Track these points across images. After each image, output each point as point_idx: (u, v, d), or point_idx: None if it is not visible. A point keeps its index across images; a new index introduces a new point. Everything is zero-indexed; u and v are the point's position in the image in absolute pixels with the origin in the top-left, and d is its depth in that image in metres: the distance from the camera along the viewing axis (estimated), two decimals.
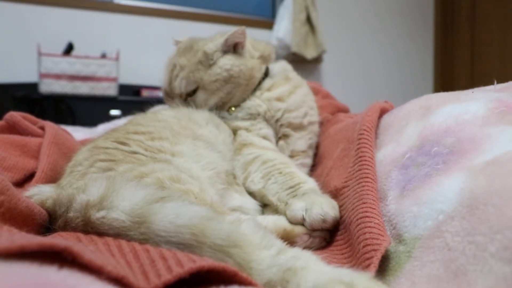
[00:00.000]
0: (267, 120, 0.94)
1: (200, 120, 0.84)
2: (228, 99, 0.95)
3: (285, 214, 0.71)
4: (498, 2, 3.39)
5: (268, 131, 0.93)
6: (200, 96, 0.94)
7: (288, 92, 0.97)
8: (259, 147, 0.88)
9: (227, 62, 0.94)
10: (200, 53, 0.95)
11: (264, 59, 1.01)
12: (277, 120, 0.95)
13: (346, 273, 0.40)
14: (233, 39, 0.95)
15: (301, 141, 0.96)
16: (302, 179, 0.77)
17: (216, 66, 0.93)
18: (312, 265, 0.42)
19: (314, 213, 0.66)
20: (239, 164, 0.85)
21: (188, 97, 0.95)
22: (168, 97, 1.00)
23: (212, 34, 1.02)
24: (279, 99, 0.96)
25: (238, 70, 0.94)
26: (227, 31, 0.97)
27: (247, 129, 0.92)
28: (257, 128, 0.92)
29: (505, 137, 0.52)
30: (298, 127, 0.96)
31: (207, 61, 0.94)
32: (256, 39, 1.06)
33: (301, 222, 0.67)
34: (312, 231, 0.67)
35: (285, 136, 0.96)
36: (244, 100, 0.96)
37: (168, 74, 0.98)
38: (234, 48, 0.96)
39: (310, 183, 0.76)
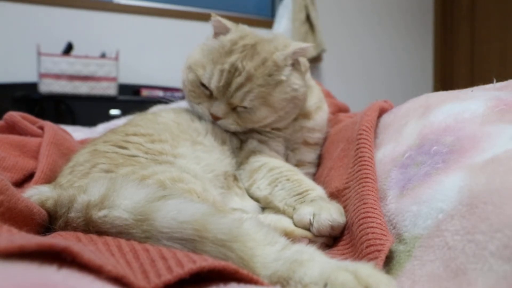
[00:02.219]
0: (285, 140, 0.91)
1: (200, 129, 0.83)
2: (281, 119, 0.86)
3: (292, 218, 0.70)
4: (497, 0, 3.39)
5: (280, 148, 0.91)
6: (261, 112, 0.82)
7: (315, 106, 0.92)
8: (267, 155, 0.86)
9: (296, 82, 0.83)
10: (270, 63, 0.80)
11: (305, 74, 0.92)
12: (293, 139, 0.91)
13: (350, 263, 0.42)
14: (300, 54, 0.84)
15: (311, 153, 0.95)
16: (310, 186, 0.76)
17: (286, 84, 0.82)
18: (317, 257, 0.43)
19: (323, 218, 0.65)
20: (244, 172, 0.84)
21: (239, 108, 0.83)
22: (202, 94, 0.85)
23: (266, 35, 0.88)
24: (306, 115, 0.90)
25: (303, 92, 0.85)
26: (285, 40, 0.86)
27: (260, 140, 0.89)
28: (272, 143, 0.89)
29: (505, 136, 0.52)
30: (313, 144, 0.94)
31: (279, 76, 0.81)
32: None
33: (308, 227, 0.67)
34: (317, 237, 0.66)
35: (294, 149, 0.94)
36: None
37: (223, 74, 0.80)
38: (293, 63, 0.84)
39: (318, 191, 0.75)
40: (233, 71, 0.80)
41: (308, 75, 0.96)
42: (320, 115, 0.93)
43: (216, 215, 0.45)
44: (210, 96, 0.85)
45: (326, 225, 0.64)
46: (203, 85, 0.84)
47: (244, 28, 0.89)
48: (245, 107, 0.82)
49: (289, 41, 0.86)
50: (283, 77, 0.81)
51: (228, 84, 0.80)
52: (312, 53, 0.79)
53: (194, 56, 0.87)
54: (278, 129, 0.89)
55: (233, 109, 0.84)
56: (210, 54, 0.84)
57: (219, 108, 0.83)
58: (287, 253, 0.44)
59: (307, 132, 0.91)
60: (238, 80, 0.80)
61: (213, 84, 0.81)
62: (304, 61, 0.91)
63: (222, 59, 0.81)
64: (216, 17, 0.87)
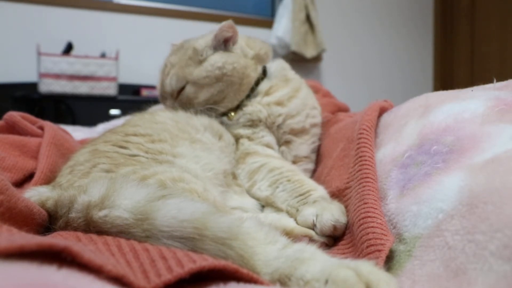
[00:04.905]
0: (268, 127, 0.92)
1: (198, 126, 0.84)
2: (220, 98, 0.93)
3: (295, 218, 0.71)
4: (497, 0, 3.39)
5: (270, 138, 0.92)
6: (188, 89, 0.92)
7: (288, 96, 0.95)
8: (264, 155, 0.86)
9: (218, 59, 0.92)
10: (190, 50, 0.94)
11: (260, 58, 0.99)
12: (278, 126, 0.93)
13: (351, 261, 0.42)
14: (222, 34, 0.93)
15: (304, 146, 0.95)
16: (312, 186, 0.76)
17: (207, 62, 0.91)
18: (318, 256, 0.44)
19: (325, 219, 0.65)
20: (243, 173, 0.84)
21: (178, 95, 0.94)
22: (162, 98, 1.00)
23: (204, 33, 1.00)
24: (279, 103, 0.93)
25: (231, 68, 0.91)
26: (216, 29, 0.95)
27: (249, 138, 0.91)
28: (259, 136, 0.91)
29: (505, 136, 0.52)
30: (300, 132, 0.95)
31: (197, 57, 0.92)
32: (251, 37, 1.03)
33: (312, 228, 0.67)
34: (321, 237, 0.66)
35: (287, 142, 0.94)
36: (239, 101, 0.94)
37: (160, 75, 0.98)
38: (225, 44, 0.94)
39: (320, 191, 0.75)
40: (164, 68, 0.98)
41: (284, 65, 1.03)
42: (294, 102, 0.95)
43: (216, 214, 0.45)
44: (165, 98, 0.99)
45: (329, 225, 0.65)
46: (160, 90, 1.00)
47: (186, 38, 1.05)
48: (179, 92, 0.94)
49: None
50: (201, 57, 0.93)
51: (162, 79, 0.97)
52: (227, 32, 0.91)
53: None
54: (240, 108, 0.95)
55: (176, 99, 0.95)
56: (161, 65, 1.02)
57: (167, 103, 0.97)
58: (288, 252, 0.44)
59: (288, 120, 0.93)
60: (165, 71, 0.96)
61: (158, 86, 0.99)
62: (255, 46, 0.99)
63: (162, 66, 1.00)
64: (172, 43, 1.08)
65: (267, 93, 0.95)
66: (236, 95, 0.94)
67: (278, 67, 1.01)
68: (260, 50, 0.99)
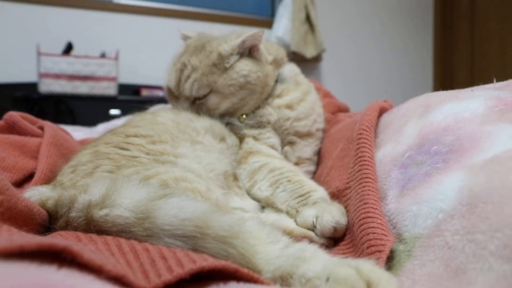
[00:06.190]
0: (275, 129, 0.92)
1: (199, 129, 0.83)
2: (240, 106, 0.91)
3: (295, 219, 0.71)
4: (497, 0, 3.39)
5: (275, 140, 0.92)
6: (212, 99, 0.89)
7: (298, 99, 0.95)
8: (266, 155, 0.86)
9: (244, 67, 0.89)
10: (214, 54, 0.89)
11: (277, 63, 0.98)
12: (284, 129, 0.93)
13: (352, 260, 0.43)
14: (251, 41, 0.89)
15: (308, 148, 0.95)
16: (312, 187, 0.76)
17: (232, 70, 0.88)
18: (319, 255, 0.44)
19: (325, 220, 0.65)
20: (244, 172, 0.84)
21: (198, 101, 0.90)
22: (172, 97, 0.95)
23: (225, 33, 0.96)
24: (289, 106, 0.93)
25: (255, 77, 0.89)
26: (242, 31, 0.92)
27: (254, 137, 0.90)
28: (265, 137, 0.91)
29: (505, 135, 0.52)
30: (306, 135, 0.95)
31: (222, 64, 0.88)
32: (268, 41, 1.01)
33: (311, 229, 0.67)
34: (321, 238, 0.66)
35: (291, 143, 0.94)
36: (256, 108, 0.93)
37: (176, 73, 0.91)
38: (249, 51, 0.91)
39: (320, 192, 0.75)
40: (183, 68, 0.90)
41: (296, 70, 1.03)
42: (302, 105, 0.95)
43: (218, 213, 0.46)
44: (177, 97, 0.94)
45: (329, 227, 0.65)
46: (170, 88, 0.94)
47: (203, 33, 0.99)
48: (199, 98, 0.90)
49: (245, 33, 0.91)
50: (227, 65, 0.88)
51: (179, 79, 0.90)
52: (260, 38, 0.87)
53: (167, 66, 0.98)
54: (247, 115, 0.93)
55: (193, 103, 0.91)
56: (173, 61, 0.95)
57: (181, 105, 0.92)
58: (290, 251, 0.45)
59: (294, 122, 0.93)
60: (185, 73, 0.89)
61: (171, 84, 0.92)
62: (273, 51, 0.97)
63: (177, 61, 0.93)
64: (181, 31, 1.02)
65: (278, 96, 0.95)
66: (255, 103, 0.92)
67: (291, 72, 1.01)
68: (277, 55, 0.98)
